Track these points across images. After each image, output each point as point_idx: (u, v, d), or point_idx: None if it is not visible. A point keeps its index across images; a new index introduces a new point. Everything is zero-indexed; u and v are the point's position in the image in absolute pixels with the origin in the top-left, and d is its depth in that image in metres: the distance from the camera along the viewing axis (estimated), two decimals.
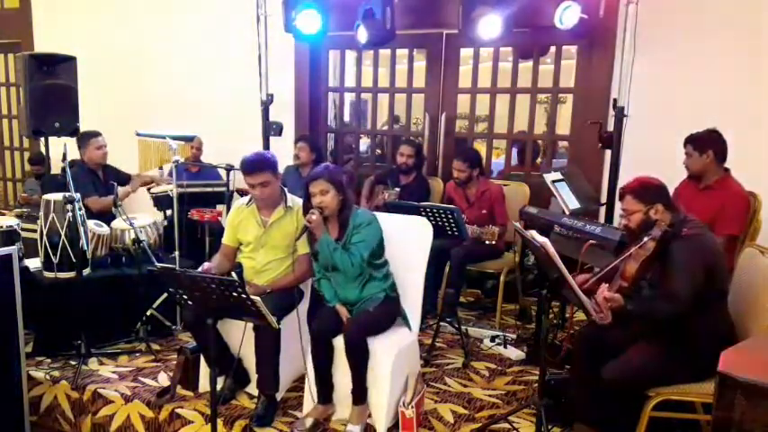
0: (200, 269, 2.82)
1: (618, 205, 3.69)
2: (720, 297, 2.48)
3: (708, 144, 3.20)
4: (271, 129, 4.34)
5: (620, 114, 3.64)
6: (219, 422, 2.79)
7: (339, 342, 2.79)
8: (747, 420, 1.61)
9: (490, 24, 3.97)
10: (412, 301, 3.05)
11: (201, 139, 4.87)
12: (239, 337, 2.83)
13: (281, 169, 3.25)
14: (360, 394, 2.77)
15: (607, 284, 2.46)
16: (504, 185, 4.32)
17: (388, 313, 2.92)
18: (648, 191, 2.48)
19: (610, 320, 2.37)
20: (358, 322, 2.78)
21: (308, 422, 2.80)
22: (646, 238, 2.41)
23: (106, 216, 3.95)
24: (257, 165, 2.98)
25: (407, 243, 3.08)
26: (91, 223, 3.71)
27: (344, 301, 2.94)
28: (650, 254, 2.39)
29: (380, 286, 2.93)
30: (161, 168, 4.62)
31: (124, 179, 4.40)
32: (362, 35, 4.16)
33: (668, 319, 2.41)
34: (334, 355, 2.81)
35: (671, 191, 3.20)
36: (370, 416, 2.81)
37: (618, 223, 3.26)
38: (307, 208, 2.87)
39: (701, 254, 2.37)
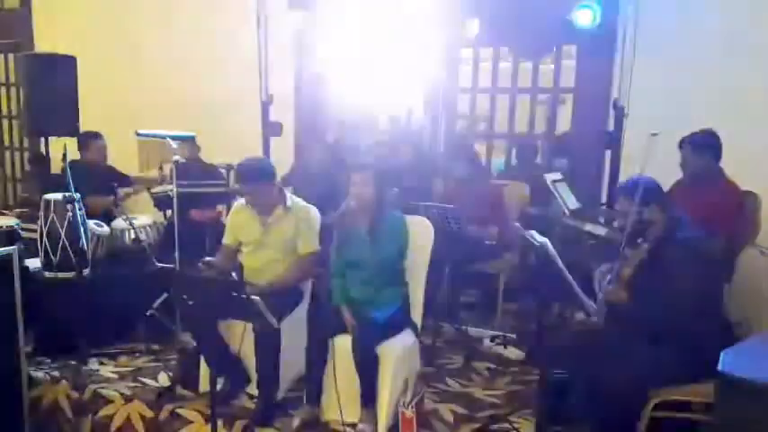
0: (206, 261, 2.86)
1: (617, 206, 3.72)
2: (718, 298, 2.49)
3: (707, 147, 3.20)
4: (271, 129, 4.34)
5: (620, 114, 3.65)
6: (219, 422, 2.79)
7: (335, 343, 2.79)
8: (747, 420, 1.61)
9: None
10: (413, 301, 3.05)
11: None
12: (239, 337, 2.83)
13: (284, 171, 3.25)
14: (369, 397, 2.77)
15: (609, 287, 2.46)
16: (504, 185, 4.32)
17: (399, 323, 2.92)
18: (641, 191, 2.48)
19: (602, 320, 2.37)
20: (368, 333, 2.75)
21: (295, 422, 2.80)
22: (640, 240, 2.41)
23: (106, 216, 3.95)
24: (246, 175, 3.00)
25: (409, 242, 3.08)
26: (91, 223, 3.71)
27: (354, 301, 2.94)
28: (645, 256, 2.39)
29: (396, 292, 2.94)
30: (161, 168, 4.61)
31: (124, 180, 4.40)
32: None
33: (667, 326, 2.41)
34: (334, 357, 2.79)
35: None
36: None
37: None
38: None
39: (697, 262, 2.37)
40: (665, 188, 3.08)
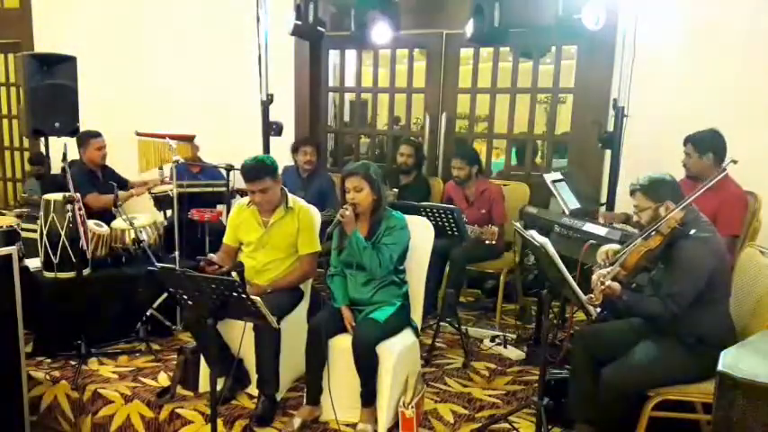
0: (207, 257, 2.86)
1: (617, 205, 3.73)
2: (722, 298, 2.49)
3: (709, 145, 3.20)
4: (271, 129, 4.34)
5: (620, 114, 3.65)
6: (219, 422, 2.79)
7: (335, 343, 2.80)
8: (747, 420, 1.61)
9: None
10: (413, 301, 3.05)
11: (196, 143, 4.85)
12: (239, 337, 2.82)
13: (280, 170, 3.25)
14: (369, 396, 2.77)
15: (607, 269, 2.46)
16: (504, 185, 4.32)
17: (399, 323, 2.92)
18: (658, 188, 2.48)
19: (600, 302, 2.36)
20: (368, 333, 2.75)
21: (297, 422, 2.81)
22: (653, 232, 2.41)
23: (106, 216, 3.96)
24: (256, 172, 2.97)
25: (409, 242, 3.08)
26: (91, 223, 3.71)
27: (354, 301, 2.94)
28: (654, 247, 2.38)
29: (396, 292, 2.94)
30: (161, 168, 4.61)
31: (123, 182, 4.41)
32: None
33: (659, 318, 2.41)
34: (332, 357, 2.80)
35: None
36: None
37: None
38: (342, 202, 2.88)
39: (707, 259, 2.37)
40: None
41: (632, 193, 2.56)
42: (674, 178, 2.54)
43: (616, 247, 2.61)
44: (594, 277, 2.40)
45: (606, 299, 2.37)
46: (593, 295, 2.35)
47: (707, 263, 2.36)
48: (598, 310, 2.49)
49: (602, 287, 2.34)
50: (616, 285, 2.38)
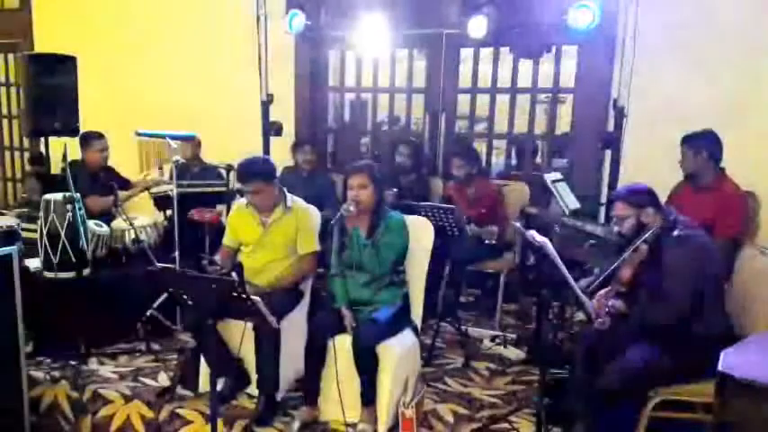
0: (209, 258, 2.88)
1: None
2: (717, 297, 2.50)
3: (702, 145, 3.20)
4: (271, 129, 4.34)
5: (620, 114, 3.65)
6: (219, 422, 2.79)
7: (335, 343, 2.79)
8: (747, 420, 1.61)
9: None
10: (413, 301, 3.05)
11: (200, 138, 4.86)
12: (239, 337, 2.82)
13: (279, 171, 3.25)
14: (369, 396, 2.77)
15: (605, 289, 2.49)
16: (504, 185, 4.32)
17: (399, 323, 2.92)
18: (637, 196, 2.52)
19: (608, 325, 2.41)
20: (368, 333, 2.75)
21: (296, 425, 2.81)
22: (638, 242, 2.44)
23: (106, 216, 3.95)
24: (247, 173, 2.99)
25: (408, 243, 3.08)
26: (91, 223, 3.71)
27: (354, 301, 2.94)
28: (644, 257, 2.42)
29: (396, 292, 2.94)
30: (161, 168, 4.61)
31: (123, 183, 4.40)
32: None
33: (665, 323, 2.42)
34: (332, 357, 2.79)
35: (667, 192, 3.24)
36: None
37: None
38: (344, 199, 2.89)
39: (694, 256, 2.40)
40: (667, 189, 3.12)
41: (612, 202, 2.59)
42: (650, 187, 2.58)
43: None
44: (595, 302, 2.45)
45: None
46: (601, 320, 2.42)
47: (694, 261, 2.40)
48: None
49: (607, 309, 2.39)
50: (619, 304, 2.44)
